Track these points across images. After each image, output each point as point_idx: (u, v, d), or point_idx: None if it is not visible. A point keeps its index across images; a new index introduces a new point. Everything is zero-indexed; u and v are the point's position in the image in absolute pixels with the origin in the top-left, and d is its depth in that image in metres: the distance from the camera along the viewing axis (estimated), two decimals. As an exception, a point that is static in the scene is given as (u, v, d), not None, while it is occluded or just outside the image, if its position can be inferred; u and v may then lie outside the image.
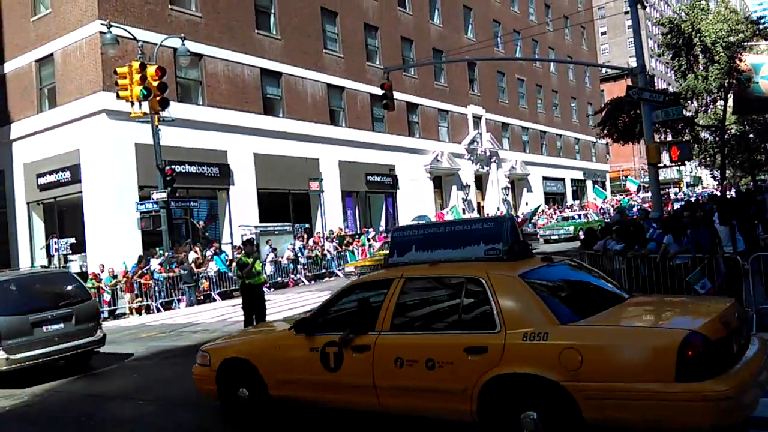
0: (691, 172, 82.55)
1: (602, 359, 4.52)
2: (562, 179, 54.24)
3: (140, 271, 19.45)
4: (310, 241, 26.35)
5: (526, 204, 46.15)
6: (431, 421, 5.44)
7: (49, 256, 24.24)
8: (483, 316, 5.10)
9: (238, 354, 6.53)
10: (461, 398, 4.93)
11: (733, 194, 31.26)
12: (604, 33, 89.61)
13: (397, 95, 25.43)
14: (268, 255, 22.77)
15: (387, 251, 21.91)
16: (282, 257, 23.65)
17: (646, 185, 54.57)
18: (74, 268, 23.07)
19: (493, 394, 4.82)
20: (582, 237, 18.53)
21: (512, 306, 4.98)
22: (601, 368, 4.48)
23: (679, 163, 19.14)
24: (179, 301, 19.68)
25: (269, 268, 22.15)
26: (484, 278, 5.21)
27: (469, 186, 40.83)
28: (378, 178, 33.33)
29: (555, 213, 42.25)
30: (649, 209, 21.57)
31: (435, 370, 5.06)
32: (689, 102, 31.05)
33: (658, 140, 22.57)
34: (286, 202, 28.46)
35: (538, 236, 32.70)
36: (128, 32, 19.48)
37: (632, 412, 4.38)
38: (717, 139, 36.13)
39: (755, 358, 4.77)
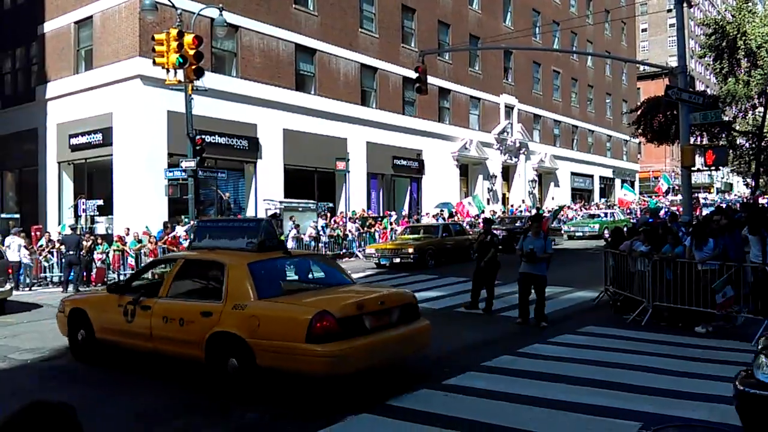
0: (722, 178, 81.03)
1: (268, 324, 6.46)
2: (591, 176, 53.57)
3: (165, 237, 19.66)
4: (333, 220, 26.41)
5: (552, 198, 45.72)
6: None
7: (77, 216, 24.61)
8: (217, 290, 7.10)
9: (79, 305, 8.70)
10: (198, 347, 6.86)
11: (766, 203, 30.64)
12: (644, 30, 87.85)
13: (430, 79, 25.15)
14: (290, 231, 22.87)
15: (409, 235, 21.91)
16: (304, 234, 23.73)
17: (677, 187, 53.73)
18: (100, 229, 23.45)
19: (213, 345, 6.77)
20: (607, 236, 18.31)
21: (233, 285, 6.92)
22: (267, 330, 6.42)
23: (713, 168, 18.77)
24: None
25: (290, 244, 22.23)
26: (225, 264, 7.18)
27: (496, 176, 40.49)
28: (404, 162, 33.20)
29: (581, 210, 41.79)
30: (678, 212, 21.25)
31: (184, 326, 7.05)
32: (728, 106, 30.38)
33: (694, 143, 22.14)
34: (312, 179, 28.52)
35: (562, 232, 32.41)
36: (167, -1, 19.50)
37: (282, 362, 6.36)
38: (753, 146, 35.36)
39: (387, 335, 6.74)
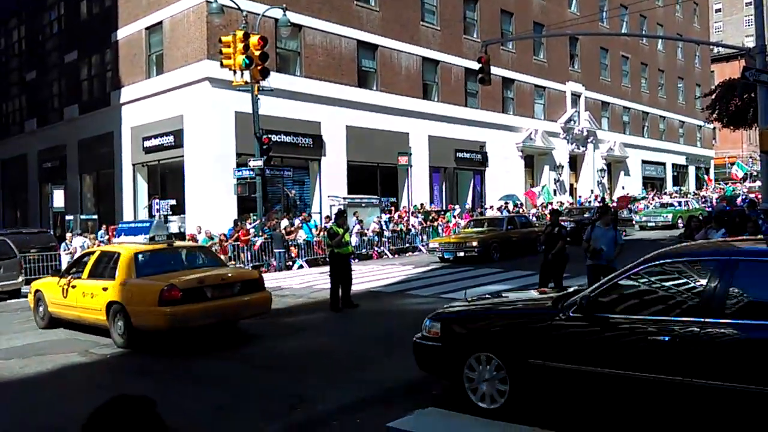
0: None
1: (138, 294, 9.21)
2: (663, 164, 51.72)
3: (236, 235, 20.22)
4: (396, 215, 26.49)
5: (623, 188, 44.39)
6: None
7: (151, 216, 25.59)
8: (113, 271, 9.73)
9: (39, 287, 11.62)
10: (101, 312, 9.63)
11: None
12: (718, 10, 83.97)
13: (493, 70, 24.84)
14: (354, 226, 23.09)
15: (472, 228, 21.76)
16: (368, 229, 23.91)
17: (755, 173, 51.20)
18: (173, 228, 24.29)
19: (109, 311, 9.54)
20: (682, 225, 17.65)
21: (122, 267, 9.62)
22: (138, 298, 9.16)
23: (795, 153, 17.78)
24: (269, 265, 20.33)
25: (354, 240, 22.47)
26: (120, 253, 10.05)
27: (563, 166, 39.64)
28: (467, 155, 32.94)
29: (654, 198, 40.44)
30: (757, 200, 20.24)
31: (93, 298, 9.82)
32: (812, 86, 28.68)
33: (774, 126, 21.02)
34: (375, 174, 28.68)
35: (634, 222, 31.46)
36: (233, 1, 19.99)
37: (145, 321, 9.06)
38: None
39: (225, 302, 9.42)
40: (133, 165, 26.75)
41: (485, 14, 34.36)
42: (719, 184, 53.59)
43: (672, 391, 4.76)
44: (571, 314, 5.35)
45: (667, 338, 4.81)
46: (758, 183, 32.35)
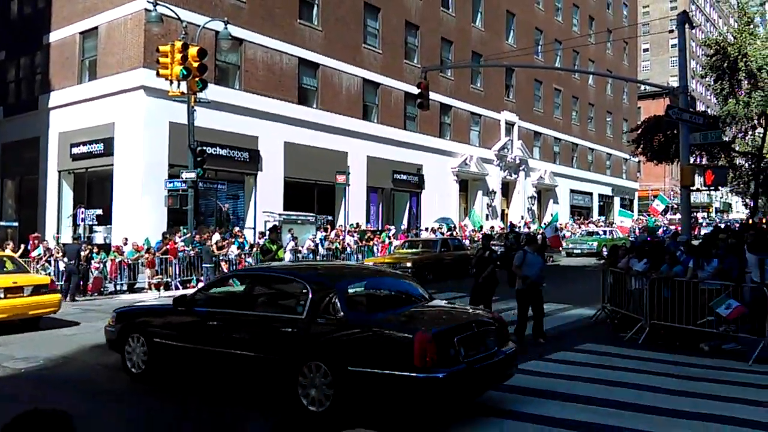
0: (721, 198, 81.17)
1: None
2: (590, 193, 53.66)
3: (164, 248, 19.66)
4: (332, 234, 26.42)
5: (551, 215, 45.73)
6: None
7: (75, 225, 24.65)
8: None
9: None
10: None
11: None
12: (646, 50, 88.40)
13: (432, 95, 25.28)
14: (288, 243, 22.87)
15: (407, 249, 21.89)
16: (302, 247, 23.73)
17: (675, 206, 53.81)
18: (98, 239, 23.46)
19: None
20: (605, 253, 18.31)
21: None
22: None
23: (712, 188, 18.83)
24: (198, 280, 19.85)
25: (288, 257, 22.26)
26: None
27: (495, 192, 40.57)
28: (404, 177, 33.28)
29: (579, 227, 41.82)
30: (678, 231, 21.28)
31: None
32: (728, 127, 30.51)
33: (694, 163, 22.23)
34: (312, 192, 28.57)
35: (561, 249, 32.40)
36: (173, 11, 19.68)
37: None
38: (753, 166, 35.47)
39: (15, 302, 11.52)
40: (59, 172, 25.74)
41: (426, 41, 35.02)
42: (642, 215, 55.98)
43: (228, 357, 6.95)
44: (179, 309, 7.55)
45: (221, 323, 7.16)
46: (678, 216, 34.02)
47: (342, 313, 6.35)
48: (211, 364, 7.17)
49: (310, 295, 6.59)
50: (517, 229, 24.41)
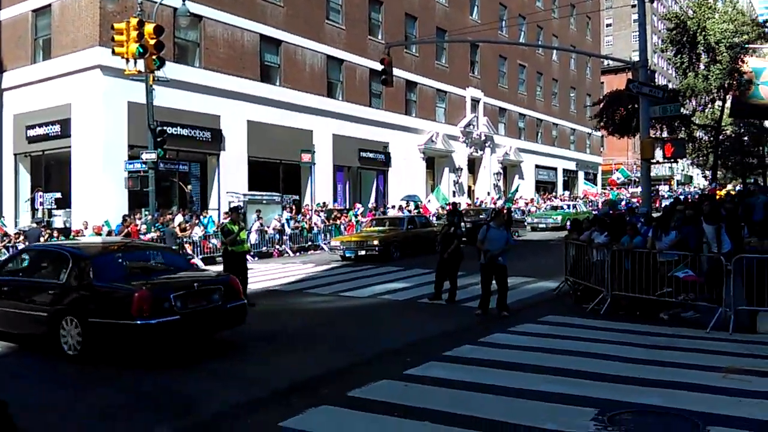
0: (682, 170, 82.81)
1: None
2: (555, 168, 54.23)
3: (125, 231, 19.29)
4: (300, 214, 26.25)
5: (516, 190, 46.14)
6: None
7: (34, 210, 24.04)
8: None
9: None
10: None
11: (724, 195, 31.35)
12: (609, 25, 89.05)
13: (396, 72, 25.15)
14: (253, 224, 22.66)
15: (374, 227, 21.92)
16: (268, 227, 23.54)
17: (636, 179, 54.71)
18: (58, 223, 22.91)
19: None
20: (569, 227, 18.53)
21: None
22: None
23: (672, 161, 19.13)
24: (163, 263, 19.54)
25: (254, 237, 22.07)
26: None
27: (462, 169, 40.70)
28: (371, 155, 33.14)
29: (544, 202, 42.29)
30: (638, 204, 21.63)
31: None
32: (687, 100, 30.98)
33: (653, 136, 22.54)
34: (277, 172, 28.27)
35: (526, 224, 32.76)
36: (127, -13, 19.11)
37: None
38: (711, 139, 36.16)
39: None
40: (15, 155, 24.97)
41: (390, 16, 34.70)
42: (605, 189, 56.85)
43: (15, 315, 8.71)
44: None
45: (10, 288, 9.07)
46: (639, 189, 34.58)
47: (89, 279, 8.13)
48: (6, 319, 8.88)
49: (70, 265, 8.40)
50: (459, 208, 24.68)
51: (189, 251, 20.57)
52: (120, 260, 9.13)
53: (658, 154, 17.31)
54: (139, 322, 7.45)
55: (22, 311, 8.62)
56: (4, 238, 19.43)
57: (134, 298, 7.55)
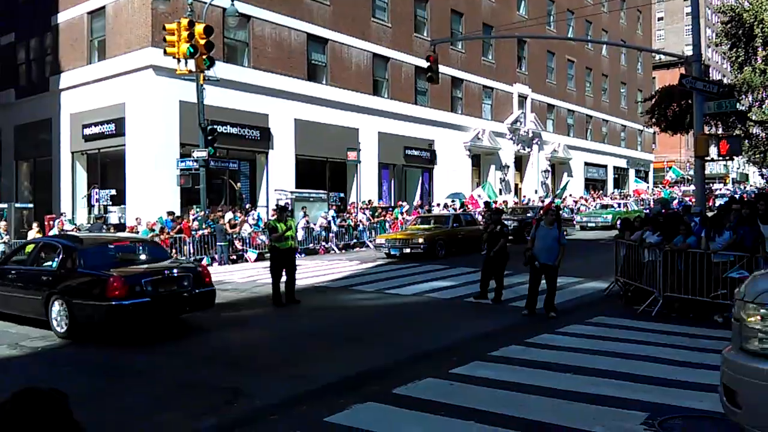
0: (738, 168, 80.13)
1: None
2: (605, 166, 53.15)
3: (178, 227, 19.77)
4: (346, 212, 26.41)
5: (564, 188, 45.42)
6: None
7: (90, 206, 24.81)
8: None
9: None
10: None
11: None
12: (660, 18, 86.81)
13: (442, 69, 25.05)
14: (300, 221, 22.92)
15: (419, 225, 21.89)
16: (314, 224, 23.77)
17: (690, 177, 53.18)
18: (113, 219, 23.62)
19: None
20: (619, 226, 18.17)
21: None
22: None
23: (727, 158, 18.56)
24: (212, 258, 19.98)
25: (301, 234, 22.32)
26: None
27: (509, 166, 40.27)
28: (416, 152, 33.10)
29: (594, 200, 41.51)
30: (692, 203, 21.03)
31: None
32: (743, 96, 29.98)
33: (708, 133, 21.88)
34: (323, 169, 28.53)
35: (575, 222, 32.22)
36: (179, -11, 19.54)
37: None
38: (769, 135, 34.92)
39: None
40: (72, 153, 25.85)
41: (436, 13, 34.57)
42: (657, 187, 55.43)
43: (17, 298, 10.17)
44: None
45: (14, 275, 10.41)
46: (693, 187, 33.60)
47: (76, 266, 9.46)
48: (10, 302, 10.32)
49: (61, 255, 9.74)
50: (493, 206, 24.54)
51: (239, 247, 20.96)
52: (103, 251, 10.38)
53: (713, 151, 16.81)
54: (113, 302, 8.74)
55: (24, 295, 10.04)
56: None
57: (109, 282, 8.84)
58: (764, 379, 3.88)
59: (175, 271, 9.74)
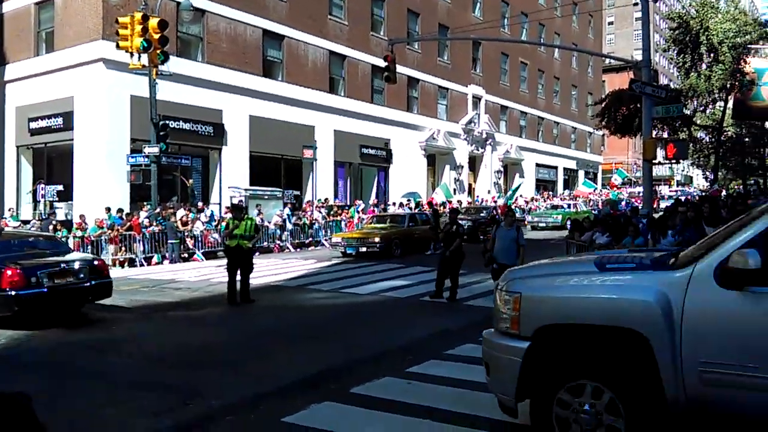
0: (683, 171, 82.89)
1: None
2: (555, 167, 54.26)
3: (128, 224, 19.34)
4: (301, 210, 26.27)
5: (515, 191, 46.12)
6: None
7: (35, 202, 24.07)
8: None
9: None
10: None
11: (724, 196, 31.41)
12: (611, 23, 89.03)
13: (399, 68, 25.05)
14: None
15: (375, 224, 21.92)
16: (269, 222, 23.58)
17: (635, 179, 54.78)
18: (60, 215, 22.93)
19: None
20: (569, 227, 18.58)
21: None
22: None
23: (673, 161, 19.20)
24: (163, 256, 19.62)
25: (256, 232, 22.07)
26: None
27: (463, 167, 40.74)
28: (372, 151, 33.17)
29: (545, 201, 42.33)
30: (638, 204, 21.68)
31: None
32: (689, 101, 31.03)
33: (656, 136, 22.58)
34: (278, 167, 28.31)
35: (526, 223, 32.79)
36: (131, -19, 19.12)
37: None
38: (713, 139, 36.22)
39: None
40: (17, 147, 25.01)
41: (392, 13, 34.68)
42: (604, 189, 56.86)
43: None
44: None
45: None
46: (639, 189, 34.56)
47: None
48: None
49: None
50: (435, 206, 25.21)
51: (190, 245, 20.63)
52: (3, 245, 10.68)
53: (661, 154, 17.36)
54: (11, 292, 9.28)
55: None
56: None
57: (4, 273, 9.32)
58: (505, 353, 4.65)
59: (72, 264, 10.37)
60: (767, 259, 3.76)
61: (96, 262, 10.97)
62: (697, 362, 3.96)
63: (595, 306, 4.36)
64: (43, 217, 21.54)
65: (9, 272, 9.37)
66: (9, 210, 22.57)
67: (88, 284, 10.30)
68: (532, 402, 4.60)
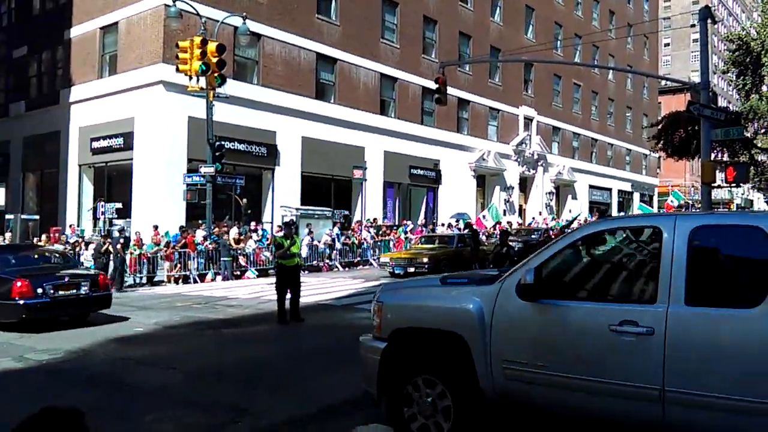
0: (743, 194, 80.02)
1: None
2: (609, 189, 53.20)
3: (183, 241, 19.82)
4: (350, 230, 26.44)
5: (569, 211, 45.36)
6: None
7: (95, 219, 24.89)
8: None
9: None
10: None
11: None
12: (667, 44, 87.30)
13: (449, 90, 25.16)
14: (304, 238, 22.93)
15: (424, 245, 21.81)
16: (319, 241, 23.80)
17: (692, 203, 53.14)
18: (114, 232, 23.64)
19: None
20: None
21: None
22: None
23: (733, 185, 18.59)
24: (216, 273, 20.00)
25: (305, 251, 22.33)
26: None
27: (513, 188, 40.36)
28: (421, 172, 33.22)
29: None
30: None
31: None
32: (750, 123, 30.07)
33: (715, 159, 21.93)
34: (329, 187, 28.63)
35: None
36: (192, 7, 19.77)
37: None
38: (775, 163, 34.93)
39: None
40: (80, 166, 26.02)
41: (444, 35, 34.87)
42: (660, 211, 55.34)
43: None
44: None
45: None
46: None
47: None
48: None
49: None
50: (474, 227, 24.78)
51: (243, 263, 20.98)
52: (14, 258, 12.12)
53: (720, 177, 16.85)
54: (20, 302, 10.54)
55: None
56: (67, 245, 20.20)
57: (14, 285, 10.60)
58: (370, 352, 5.57)
59: (75, 277, 11.56)
60: (554, 276, 4.64)
61: (97, 276, 12.15)
62: (502, 360, 4.72)
63: (429, 312, 5.26)
64: (110, 233, 22.27)
65: (19, 284, 10.64)
66: (70, 227, 23.41)
67: (89, 296, 11.49)
68: (387, 398, 5.38)
